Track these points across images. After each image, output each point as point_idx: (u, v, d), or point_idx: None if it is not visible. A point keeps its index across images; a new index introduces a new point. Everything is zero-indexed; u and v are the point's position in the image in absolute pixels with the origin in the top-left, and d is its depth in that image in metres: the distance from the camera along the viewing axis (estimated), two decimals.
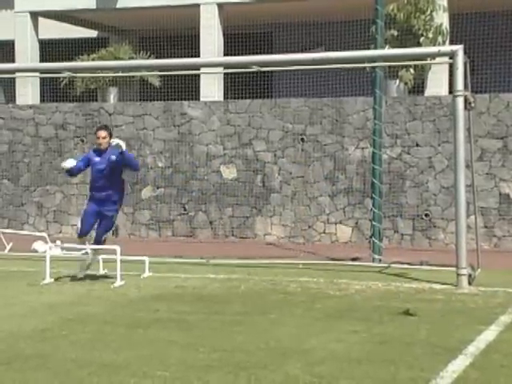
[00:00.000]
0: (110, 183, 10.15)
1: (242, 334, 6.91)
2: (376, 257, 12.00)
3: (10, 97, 19.35)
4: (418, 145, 14.51)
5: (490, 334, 6.89)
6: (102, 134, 10.17)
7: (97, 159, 10.18)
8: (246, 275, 10.56)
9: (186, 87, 17.08)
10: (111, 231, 10.64)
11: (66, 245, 12.24)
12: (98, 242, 10.38)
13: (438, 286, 9.63)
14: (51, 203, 16.57)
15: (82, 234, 10.44)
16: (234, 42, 17.44)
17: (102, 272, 10.58)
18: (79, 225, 10.53)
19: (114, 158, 10.04)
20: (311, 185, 15.07)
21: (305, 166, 15.10)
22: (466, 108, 9.94)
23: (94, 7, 18.05)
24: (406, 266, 11.34)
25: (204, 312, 7.94)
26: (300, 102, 15.27)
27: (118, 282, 9.78)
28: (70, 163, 10.26)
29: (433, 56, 12.17)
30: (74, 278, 10.18)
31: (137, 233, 16.06)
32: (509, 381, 5.41)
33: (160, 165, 15.99)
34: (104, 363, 5.87)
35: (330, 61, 11.87)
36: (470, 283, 9.68)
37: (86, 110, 16.45)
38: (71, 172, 10.46)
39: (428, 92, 15.38)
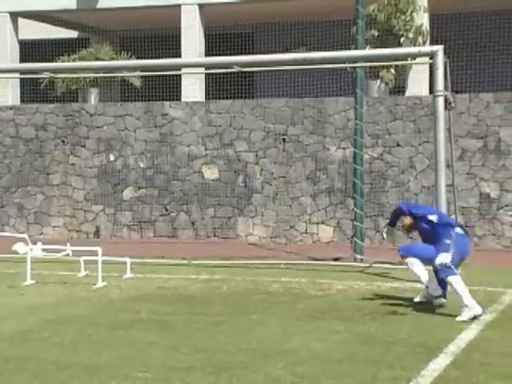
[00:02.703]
0: None
1: (223, 334, 6.91)
2: (358, 257, 12.04)
3: None
4: (399, 145, 14.56)
5: (470, 333, 6.93)
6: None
7: None
8: (228, 276, 10.56)
9: (167, 88, 17.04)
10: None
11: (46, 246, 12.19)
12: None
13: (419, 286, 9.65)
14: (32, 204, 16.48)
15: None
16: (215, 43, 17.43)
17: (83, 273, 10.54)
18: None
19: None
20: (293, 185, 15.08)
21: (286, 166, 15.12)
22: (446, 108, 10.01)
23: (75, 7, 17.97)
24: (387, 265, 11.37)
25: (186, 313, 7.94)
26: (281, 103, 15.28)
27: (100, 284, 9.74)
28: None
29: (413, 56, 12.24)
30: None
31: (118, 234, 16.01)
32: (489, 378, 5.44)
33: (141, 165, 15.95)
34: (85, 365, 5.85)
35: (311, 61, 11.90)
36: None
37: (66, 111, 16.38)
38: None
39: (409, 92, 15.44)
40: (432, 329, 7.12)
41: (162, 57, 15.10)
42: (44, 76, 14.79)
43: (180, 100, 16.63)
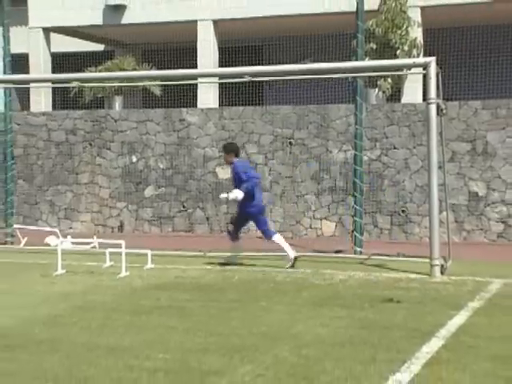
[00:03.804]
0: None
1: (235, 319, 6.91)
2: (357, 249, 12.01)
3: (25, 105, 19.31)
4: (395, 147, 14.53)
5: (460, 319, 6.91)
6: (223, 154, 10.77)
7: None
8: (240, 266, 10.56)
9: (184, 95, 17.07)
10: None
11: (75, 239, 12.22)
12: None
13: (413, 276, 9.65)
14: (62, 202, 16.53)
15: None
16: (228, 55, 17.45)
17: (108, 264, 10.57)
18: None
19: (231, 176, 10.62)
20: (299, 184, 15.08)
21: (293, 167, 15.11)
22: (438, 114, 9.97)
23: (101, 23, 18.03)
24: (384, 257, 11.35)
25: (201, 300, 7.94)
26: (288, 109, 15.27)
27: (123, 273, 9.76)
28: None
29: (408, 67, 12.19)
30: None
31: (140, 228, 16.04)
32: (477, 360, 5.44)
33: (161, 166, 15.97)
34: (111, 347, 5.87)
35: (315, 71, 11.88)
36: (442, 273, 9.71)
37: (93, 117, 16.42)
38: None
39: (404, 100, 15.41)
40: (425, 315, 7.10)
41: (180, 67, 15.11)
42: (73, 85, 14.82)
43: (196, 107, 16.66)
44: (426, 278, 9.46)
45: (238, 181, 10.32)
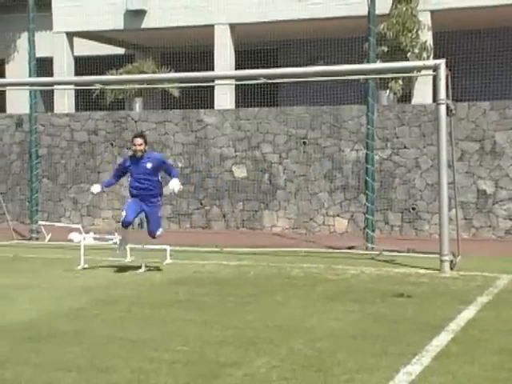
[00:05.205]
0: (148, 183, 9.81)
1: (251, 313, 6.91)
2: (369, 245, 11.99)
3: (49, 106, 19.40)
4: (405, 147, 14.47)
5: (469, 313, 6.88)
6: (138, 141, 9.66)
7: (133, 166, 9.85)
8: (255, 262, 10.55)
9: (202, 97, 17.08)
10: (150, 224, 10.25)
11: (97, 235, 12.26)
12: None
13: (423, 271, 9.61)
14: (85, 199, 16.60)
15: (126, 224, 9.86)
16: (244, 58, 17.44)
17: (129, 259, 10.60)
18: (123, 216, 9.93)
19: (149, 166, 9.69)
20: (312, 182, 15.05)
21: (306, 165, 15.08)
22: (447, 114, 9.92)
23: (122, 28, 18.07)
24: (395, 253, 11.32)
25: (218, 294, 7.95)
26: (302, 110, 15.24)
27: (143, 268, 9.79)
28: (95, 189, 10.27)
29: (418, 69, 12.14)
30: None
31: None
32: (485, 353, 5.40)
33: (180, 165, 15.98)
34: (131, 339, 5.88)
35: (328, 73, 11.85)
36: (451, 268, 9.66)
37: (114, 118, 16.46)
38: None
39: (414, 100, 15.34)
40: (435, 309, 7.07)
41: (198, 70, 15.12)
42: (95, 87, 14.87)
43: (213, 108, 16.66)
44: (435, 274, 9.42)
45: (157, 169, 9.63)
